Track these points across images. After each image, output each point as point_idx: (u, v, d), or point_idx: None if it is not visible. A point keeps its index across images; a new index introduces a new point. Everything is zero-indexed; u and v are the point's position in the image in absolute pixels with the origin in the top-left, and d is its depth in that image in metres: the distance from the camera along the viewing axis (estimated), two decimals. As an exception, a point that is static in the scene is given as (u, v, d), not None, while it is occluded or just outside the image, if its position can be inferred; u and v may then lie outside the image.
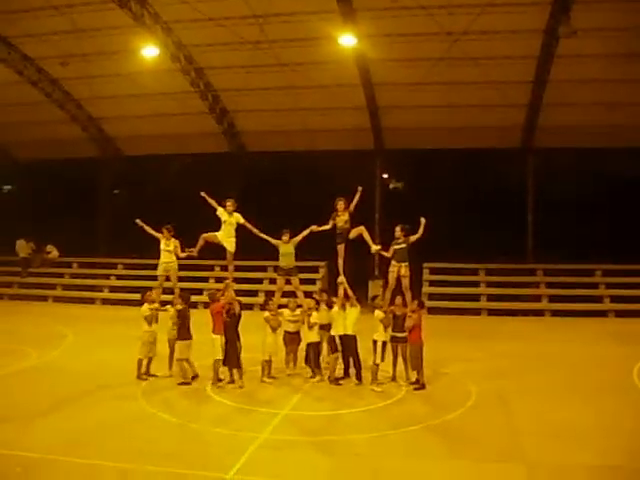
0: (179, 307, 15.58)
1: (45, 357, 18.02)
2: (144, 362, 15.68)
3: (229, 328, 15.12)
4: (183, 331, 15.37)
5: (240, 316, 15.43)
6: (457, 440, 11.49)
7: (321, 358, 16.24)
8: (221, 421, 12.56)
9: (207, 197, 17.10)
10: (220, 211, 17.00)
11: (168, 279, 17.45)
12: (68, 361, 17.68)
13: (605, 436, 11.40)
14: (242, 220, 17.00)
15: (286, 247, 16.81)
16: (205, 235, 17.09)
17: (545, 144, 28.56)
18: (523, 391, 14.60)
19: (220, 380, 15.26)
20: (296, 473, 9.96)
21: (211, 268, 29.72)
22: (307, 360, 15.99)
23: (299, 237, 16.94)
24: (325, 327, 15.92)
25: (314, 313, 16.02)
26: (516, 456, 10.60)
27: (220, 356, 15.05)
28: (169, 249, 17.30)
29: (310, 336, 15.93)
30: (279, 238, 16.89)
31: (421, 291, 27.36)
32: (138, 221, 17.43)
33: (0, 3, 22.96)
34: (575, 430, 11.77)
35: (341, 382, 15.37)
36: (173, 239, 17.40)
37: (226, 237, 16.97)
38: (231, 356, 15.09)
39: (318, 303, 16.27)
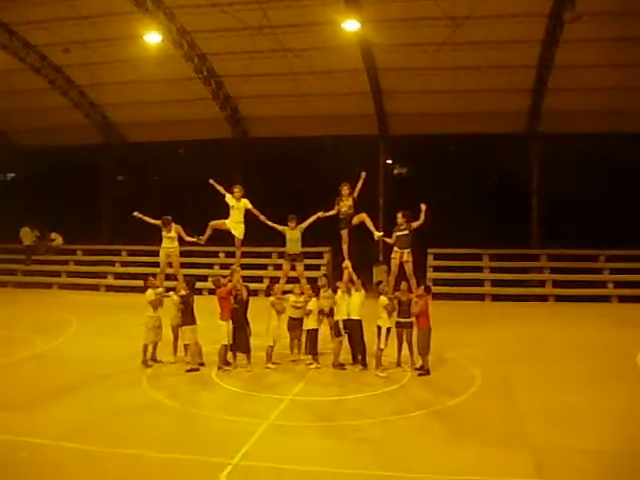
0: (183, 293, 15.66)
1: (50, 344, 18.07)
2: (149, 348, 15.72)
3: (237, 314, 15.21)
4: (187, 317, 15.43)
5: (248, 302, 15.51)
6: (461, 425, 11.54)
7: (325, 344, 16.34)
8: (227, 407, 12.62)
9: (215, 184, 17.19)
10: (228, 197, 17.04)
11: (170, 265, 17.45)
12: (73, 348, 17.72)
13: (610, 421, 11.43)
14: (250, 206, 17.02)
15: (292, 233, 16.81)
16: (213, 223, 17.12)
17: (550, 129, 28.38)
18: (527, 376, 14.64)
19: (228, 364, 15.35)
20: (302, 458, 10.00)
21: (216, 254, 29.78)
22: (305, 347, 16.04)
23: (305, 223, 16.95)
24: (327, 312, 16.00)
25: (313, 299, 16.03)
26: (521, 441, 10.64)
27: (226, 341, 15.13)
28: (171, 235, 17.13)
29: (308, 323, 15.95)
30: (285, 224, 16.88)
31: (426, 277, 27.39)
32: (136, 214, 17.26)
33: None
34: (580, 415, 11.81)
35: (346, 367, 15.41)
36: (174, 225, 17.22)
37: (234, 223, 16.97)
38: (240, 341, 15.24)
39: (318, 290, 16.28)
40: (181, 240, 17.38)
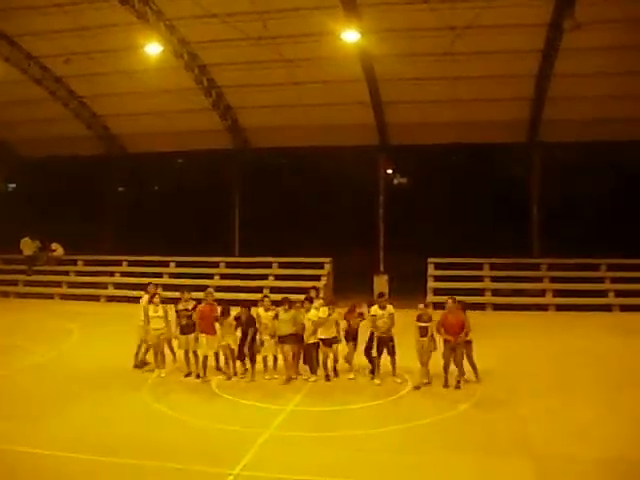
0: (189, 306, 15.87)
1: (51, 354, 18.09)
2: (142, 349, 15.84)
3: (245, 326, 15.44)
4: (190, 326, 15.66)
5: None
6: (463, 434, 11.55)
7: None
8: (227, 417, 12.64)
9: None
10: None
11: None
12: (74, 358, 17.74)
13: (613, 429, 11.43)
14: None
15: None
16: None
17: (550, 138, 28.38)
18: (529, 386, 14.64)
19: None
20: (302, 468, 10.01)
21: (216, 265, 29.85)
22: (305, 360, 15.94)
23: None
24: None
25: (312, 311, 15.74)
26: (523, 449, 10.65)
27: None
28: (159, 315, 15.78)
29: (307, 337, 15.71)
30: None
31: (426, 286, 27.39)
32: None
33: (2, 0, 22.97)
34: (582, 424, 11.82)
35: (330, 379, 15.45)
36: (162, 305, 15.95)
37: None
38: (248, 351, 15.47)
39: (311, 300, 16.15)
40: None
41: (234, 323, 15.49)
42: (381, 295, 16.56)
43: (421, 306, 15.66)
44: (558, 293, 26.99)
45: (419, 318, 15.27)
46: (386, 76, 26.50)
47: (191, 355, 15.72)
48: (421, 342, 15.11)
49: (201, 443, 11.15)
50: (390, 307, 15.60)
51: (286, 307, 15.72)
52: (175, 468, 9.95)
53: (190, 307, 15.99)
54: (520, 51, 24.16)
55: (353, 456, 10.57)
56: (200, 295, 16.55)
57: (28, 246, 32.59)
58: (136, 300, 16.27)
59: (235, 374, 15.57)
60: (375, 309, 15.50)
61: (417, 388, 14.80)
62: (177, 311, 16.04)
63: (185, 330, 15.69)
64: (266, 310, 15.63)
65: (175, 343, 16.18)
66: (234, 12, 22.96)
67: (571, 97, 26.04)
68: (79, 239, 32.04)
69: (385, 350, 15.35)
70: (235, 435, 11.54)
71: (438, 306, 23.06)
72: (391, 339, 15.39)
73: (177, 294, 16.72)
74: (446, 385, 14.70)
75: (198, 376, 15.49)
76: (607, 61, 23.82)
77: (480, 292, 27.58)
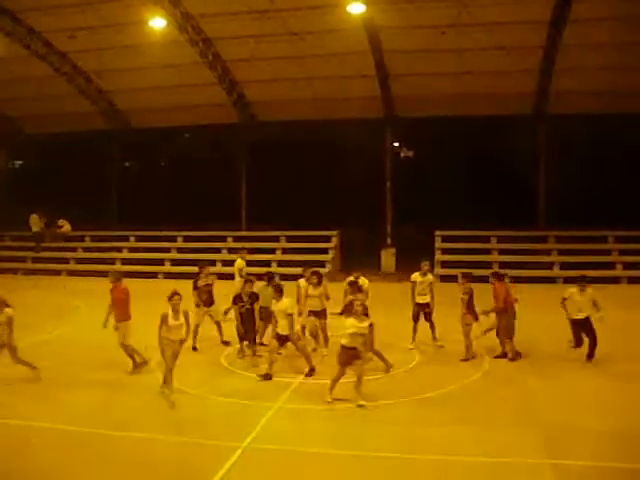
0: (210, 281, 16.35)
1: (59, 330, 18.16)
2: None
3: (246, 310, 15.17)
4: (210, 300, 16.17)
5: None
6: (471, 406, 11.61)
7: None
8: (236, 391, 12.66)
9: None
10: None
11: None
12: (82, 334, 17.75)
13: (621, 402, 11.43)
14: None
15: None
16: None
17: (557, 110, 28.28)
18: (537, 358, 14.67)
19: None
20: (311, 440, 10.06)
21: (224, 239, 29.85)
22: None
23: None
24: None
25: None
26: (531, 421, 10.67)
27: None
28: (179, 322, 12.49)
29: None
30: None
31: (434, 259, 27.39)
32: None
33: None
34: (591, 396, 11.85)
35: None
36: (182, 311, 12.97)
37: None
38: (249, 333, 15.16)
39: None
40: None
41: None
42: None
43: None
44: (565, 265, 26.94)
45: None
46: (392, 48, 26.36)
47: (201, 329, 15.81)
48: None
49: (210, 416, 11.23)
50: (430, 276, 16.28)
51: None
52: (184, 441, 10.00)
53: (211, 282, 16.36)
54: (527, 22, 23.96)
55: (362, 428, 10.61)
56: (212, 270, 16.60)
57: (35, 223, 32.72)
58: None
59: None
60: (416, 276, 16.02)
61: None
62: (197, 287, 16.19)
63: (205, 305, 16.02)
64: (307, 281, 15.50)
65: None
66: (238, -16, 22.82)
67: (579, 68, 25.84)
68: (86, 215, 32.12)
69: (422, 316, 15.92)
70: (243, 408, 11.60)
71: (445, 279, 23.29)
72: (428, 306, 15.88)
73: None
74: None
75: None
76: (616, 32, 23.62)
77: (487, 265, 27.49)
